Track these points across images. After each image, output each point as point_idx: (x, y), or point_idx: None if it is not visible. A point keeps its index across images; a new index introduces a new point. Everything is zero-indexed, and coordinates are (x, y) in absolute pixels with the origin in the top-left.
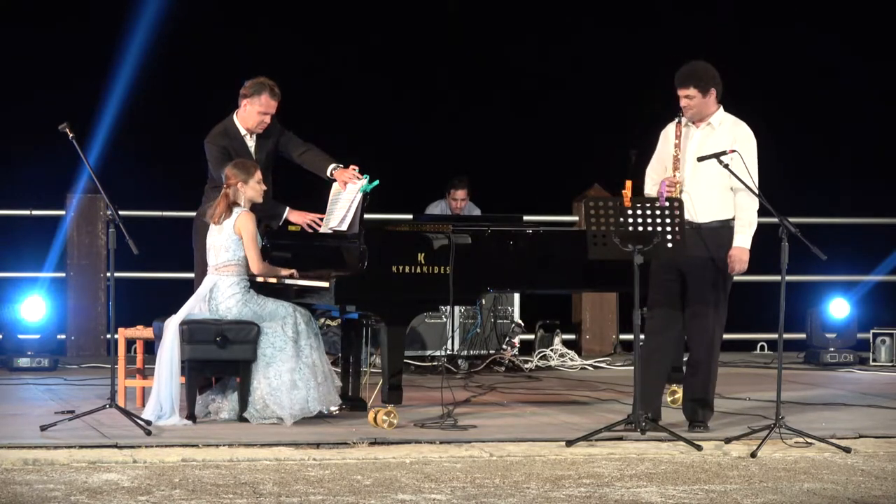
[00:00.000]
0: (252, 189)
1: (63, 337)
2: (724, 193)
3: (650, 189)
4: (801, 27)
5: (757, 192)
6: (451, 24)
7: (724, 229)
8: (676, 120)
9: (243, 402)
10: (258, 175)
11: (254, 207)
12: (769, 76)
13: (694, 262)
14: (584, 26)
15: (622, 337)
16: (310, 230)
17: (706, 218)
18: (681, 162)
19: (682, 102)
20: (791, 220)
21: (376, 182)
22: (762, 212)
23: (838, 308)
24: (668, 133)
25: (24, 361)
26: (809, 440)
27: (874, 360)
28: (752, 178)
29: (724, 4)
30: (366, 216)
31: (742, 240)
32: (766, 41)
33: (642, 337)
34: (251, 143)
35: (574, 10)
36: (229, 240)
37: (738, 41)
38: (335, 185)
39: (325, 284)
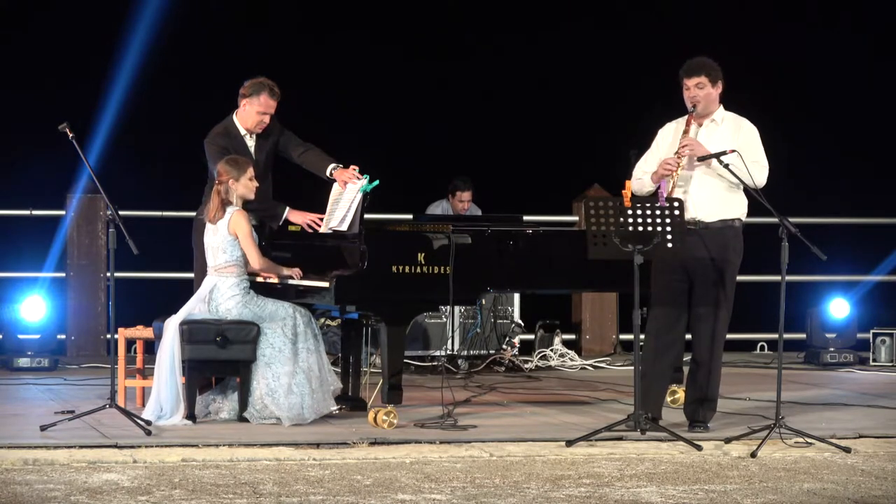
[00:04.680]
0: (244, 186)
1: (63, 337)
2: (727, 193)
3: (643, 181)
4: (802, 24)
5: (757, 190)
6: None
7: (728, 229)
8: (691, 110)
9: (243, 402)
10: (250, 172)
11: (253, 207)
12: (769, 76)
13: (699, 263)
14: (585, 25)
15: (622, 337)
16: (310, 230)
17: (710, 217)
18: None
19: (692, 92)
20: (791, 220)
21: (376, 182)
22: (762, 212)
23: (838, 308)
24: (667, 130)
25: (24, 361)
26: (809, 440)
27: (874, 360)
28: (763, 169)
29: (725, 2)
30: (366, 216)
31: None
32: (765, 39)
33: (642, 337)
34: (251, 142)
35: (574, 9)
36: (225, 241)
37: (739, 39)
38: (335, 186)
39: (325, 284)
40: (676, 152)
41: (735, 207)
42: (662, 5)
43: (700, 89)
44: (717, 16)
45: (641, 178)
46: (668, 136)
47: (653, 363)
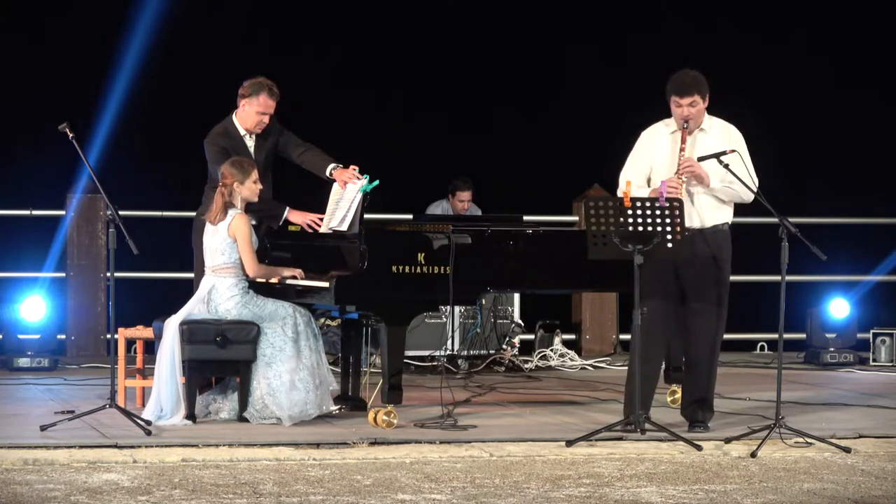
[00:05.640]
0: (248, 189)
1: (63, 337)
2: (718, 203)
3: (626, 183)
4: (801, 29)
5: (756, 190)
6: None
7: (720, 233)
8: (684, 127)
9: (243, 402)
10: (255, 175)
11: (254, 207)
12: (768, 76)
13: (692, 261)
14: (584, 26)
15: (622, 337)
16: (310, 230)
17: (707, 223)
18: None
19: (685, 112)
20: (791, 220)
21: (376, 182)
22: (762, 212)
23: (838, 308)
24: (654, 135)
25: (24, 361)
26: (809, 440)
27: (874, 360)
28: (753, 177)
29: (723, 8)
30: (366, 216)
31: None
32: (764, 41)
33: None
34: (251, 143)
35: (573, 10)
36: (224, 243)
37: (737, 43)
38: (335, 186)
39: (325, 284)
40: (677, 172)
41: (724, 213)
42: (660, 7)
43: (693, 107)
44: (716, 17)
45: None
46: (656, 143)
47: (644, 362)
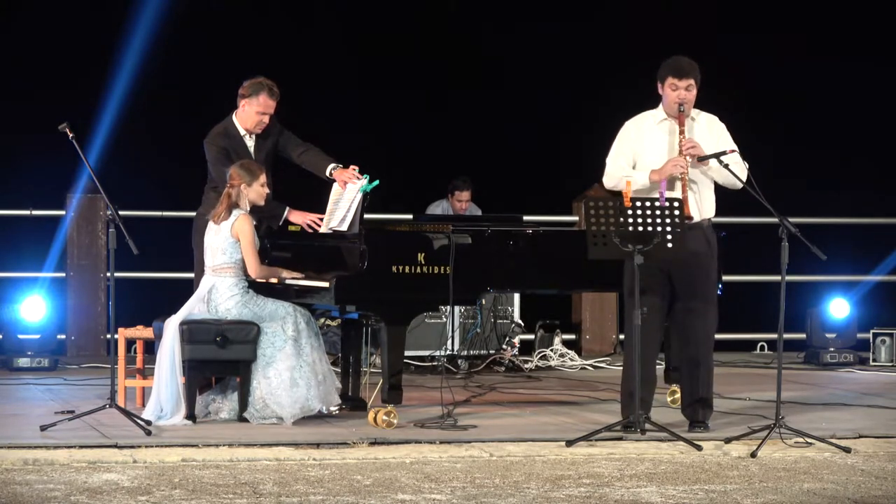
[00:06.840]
0: (255, 192)
1: (63, 337)
2: (709, 192)
3: (636, 179)
4: (801, 26)
5: (757, 190)
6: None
7: (708, 228)
8: (681, 111)
9: (243, 402)
10: (263, 178)
11: (254, 208)
12: (768, 75)
13: (688, 258)
14: (585, 24)
15: (622, 337)
16: (310, 230)
17: (706, 215)
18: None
19: (682, 94)
20: (791, 220)
21: (376, 182)
22: (762, 212)
23: (838, 308)
24: (639, 126)
25: (24, 361)
26: (809, 440)
27: (874, 360)
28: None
29: (724, 6)
30: (366, 216)
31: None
32: (765, 40)
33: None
34: (251, 143)
35: (576, 8)
36: (225, 242)
37: (738, 38)
38: (335, 186)
39: (325, 284)
40: (681, 153)
41: (713, 205)
42: (663, 4)
43: (689, 91)
44: (716, 16)
45: (632, 177)
46: (644, 134)
47: (645, 362)
